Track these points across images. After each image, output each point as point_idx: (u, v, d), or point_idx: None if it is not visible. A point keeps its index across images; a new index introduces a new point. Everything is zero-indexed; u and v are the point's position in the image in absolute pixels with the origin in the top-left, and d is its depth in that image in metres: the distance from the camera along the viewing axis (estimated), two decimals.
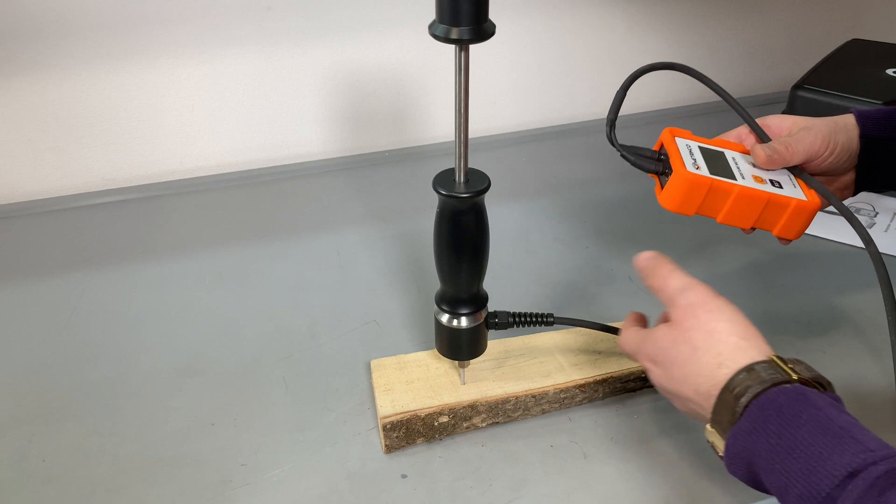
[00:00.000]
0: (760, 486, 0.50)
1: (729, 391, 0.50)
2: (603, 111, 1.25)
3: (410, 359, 0.73)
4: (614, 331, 0.73)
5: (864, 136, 0.69)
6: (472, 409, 0.69)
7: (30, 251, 0.96)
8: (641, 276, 0.61)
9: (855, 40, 1.14)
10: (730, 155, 0.70)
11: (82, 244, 0.97)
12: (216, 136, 1.10)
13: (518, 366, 0.72)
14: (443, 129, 1.18)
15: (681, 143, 0.69)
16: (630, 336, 0.61)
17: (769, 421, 0.47)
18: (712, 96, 1.29)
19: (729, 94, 0.72)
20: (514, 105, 1.21)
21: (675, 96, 1.28)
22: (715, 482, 0.65)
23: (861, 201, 0.99)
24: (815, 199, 0.67)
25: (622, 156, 0.68)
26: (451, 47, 0.54)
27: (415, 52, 1.11)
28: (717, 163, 0.68)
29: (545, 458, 0.68)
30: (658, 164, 0.68)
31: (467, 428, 0.70)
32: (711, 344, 0.53)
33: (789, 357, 0.52)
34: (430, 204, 0.62)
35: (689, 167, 0.65)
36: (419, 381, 0.71)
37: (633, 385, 0.73)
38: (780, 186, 0.67)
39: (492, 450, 0.69)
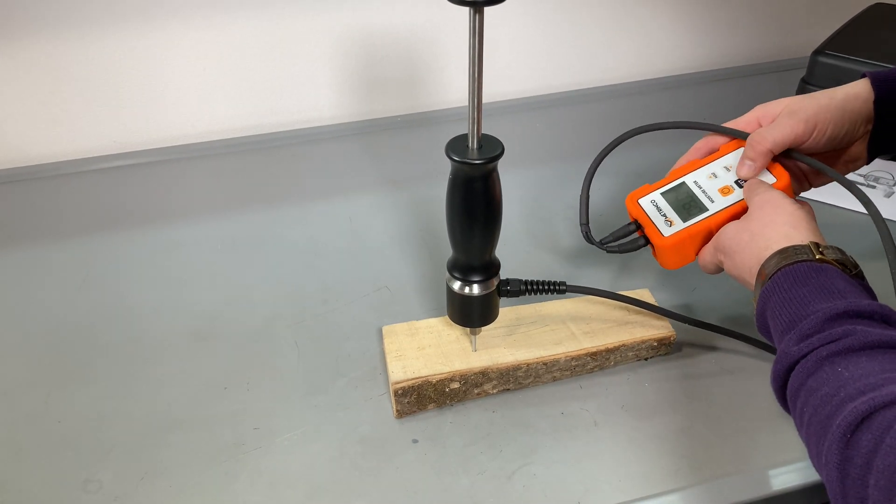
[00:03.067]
0: (771, 339, 0.56)
1: (765, 266, 0.57)
2: (618, 76, 1.24)
3: (422, 325, 0.73)
4: (626, 299, 0.73)
5: (879, 100, 0.67)
6: (483, 375, 0.69)
7: (43, 215, 0.96)
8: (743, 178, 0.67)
9: (877, 4, 1.12)
10: (690, 181, 0.70)
11: (95, 208, 0.97)
12: (228, 101, 1.09)
13: (529, 333, 0.72)
14: (456, 93, 1.17)
15: (645, 203, 0.71)
16: (706, 246, 0.67)
17: (784, 281, 0.55)
18: (728, 62, 1.27)
19: (691, 122, 0.73)
20: (528, 70, 1.19)
21: (692, 62, 1.26)
22: (724, 452, 0.66)
23: (881, 170, 0.98)
24: (784, 176, 0.67)
25: (607, 251, 0.71)
26: (465, 10, 0.53)
27: (427, 14, 1.09)
28: (684, 202, 0.70)
29: (556, 425, 0.68)
30: (640, 238, 0.71)
31: (478, 394, 0.70)
32: (766, 232, 0.59)
33: (830, 245, 0.57)
34: (442, 170, 0.62)
35: (664, 229, 0.69)
36: (430, 347, 0.71)
37: (645, 354, 0.73)
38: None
39: (502, 416, 0.69)
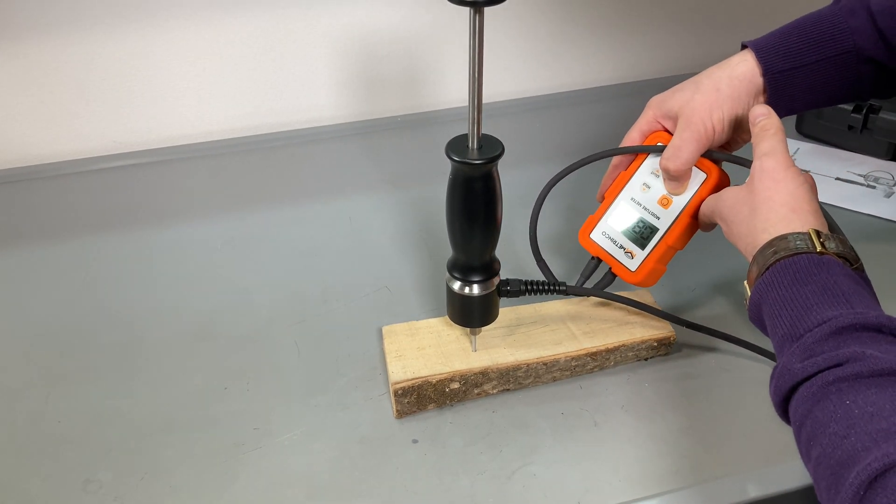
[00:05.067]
0: (766, 331, 0.55)
1: (761, 253, 0.55)
2: (617, 76, 1.24)
3: (422, 325, 0.73)
4: (626, 301, 0.73)
5: (768, 73, 0.66)
6: (483, 375, 0.69)
7: (43, 215, 0.96)
8: (750, 123, 0.64)
9: None
10: (627, 198, 0.71)
11: (95, 208, 0.97)
12: (228, 100, 1.09)
13: (529, 333, 0.72)
14: (456, 93, 1.17)
15: (598, 237, 0.72)
16: (709, 199, 0.66)
17: (784, 277, 0.53)
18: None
19: (601, 152, 0.73)
20: (528, 70, 1.19)
21: (692, 61, 1.26)
22: (723, 452, 0.66)
23: (880, 170, 0.98)
24: (713, 169, 0.68)
25: (587, 295, 0.72)
26: (465, 10, 0.53)
27: (428, 14, 1.09)
28: (634, 227, 0.70)
29: (555, 425, 0.68)
30: (609, 275, 0.72)
31: (478, 394, 0.70)
32: (765, 210, 0.57)
33: (831, 234, 0.55)
34: (442, 170, 0.62)
35: (628, 263, 0.70)
36: (430, 347, 0.71)
37: (644, 354, 0.73)
38: None
39: (502, 416, 0.69)
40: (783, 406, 0.50)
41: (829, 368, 0.47)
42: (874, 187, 0.95)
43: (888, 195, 0.94)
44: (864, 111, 0.97)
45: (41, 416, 0.70)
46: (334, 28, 1.07)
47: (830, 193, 0.94)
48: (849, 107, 0.98)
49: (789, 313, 0.51)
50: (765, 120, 0.62)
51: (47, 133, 1.05)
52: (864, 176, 0.97)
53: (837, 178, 0.97)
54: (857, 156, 1.00)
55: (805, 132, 1.04)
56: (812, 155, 1.01)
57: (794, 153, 1.02)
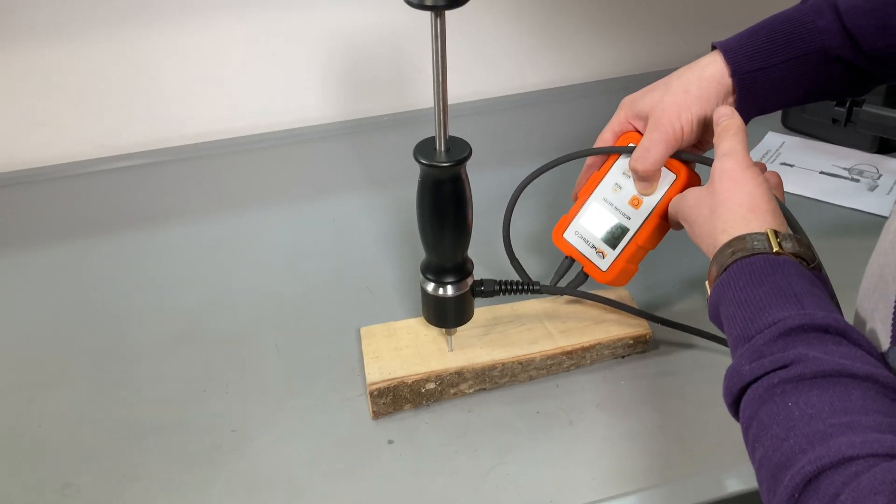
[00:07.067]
0: (724, 330, 0.56)
1: (720, 253, 0.56)
2: (602, 72, 1.24)
3: (400, 326, 0.74)
4: (601, 299, 0.73)
5: (736, 74, 0.66)
6: (459, 375, 0.69)
7: (28, 220, 0.96)
8: (714, 124, 0.64)
9: None
10: (599, 198, 0.71)
11: (80, 213, 0.97)
12: (214, 102, 1.09)
13: (506, 332, 0.73)
14: None
15: (570, 237, 0.72)
16: (673, 200, 0.66)
17: (740, 277, 0.53)
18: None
19: (571, 154, 0.73)
20: (514, 68, 1.18)
21: (682, 56, 1.25)
22: (698, 449, 0.66)
23: (865, 164, 0.97)
24: (682, 169, 0.68)
25: (562, 293, 0.73)
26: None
27: (414, 14, 1.09)
28: (605, 227, 0.70)
29: (531, 424, 0.68)
30: (581, 274, 0.72)
31: (454, 394, 0.71)
32: (723, 211, 0.58)
33: (789, 233, 0.56)
34: None
35: (599, 262, 0.71)
36: (408, 347, 0.71)
37: (621, 352, 0.73)
38: None
39: (478, 416, 0.69)
40: (735, 407, 0.50)
41: (774, 370, 0.47)
42: (858, 181, 0.95)
43: (872, 188, 0.93)
44: (848, 104, 0.96)
45: (21, 420, 0.71)
46: (321, 28, 1.07)
47: (815, 187, 0.94)
48: None
49: (743, 314, 0.51)
50: (727, 120, 0.62)
51: (34, 138, 1.05)
52: (848, 169, 0.97)
53: (822, 172, 0.96)
54: (842, 149, 1.00)
55: (790, 125, 1.04)
56: (797, 148, 1.01)
57: (780, 147, 1.01)
